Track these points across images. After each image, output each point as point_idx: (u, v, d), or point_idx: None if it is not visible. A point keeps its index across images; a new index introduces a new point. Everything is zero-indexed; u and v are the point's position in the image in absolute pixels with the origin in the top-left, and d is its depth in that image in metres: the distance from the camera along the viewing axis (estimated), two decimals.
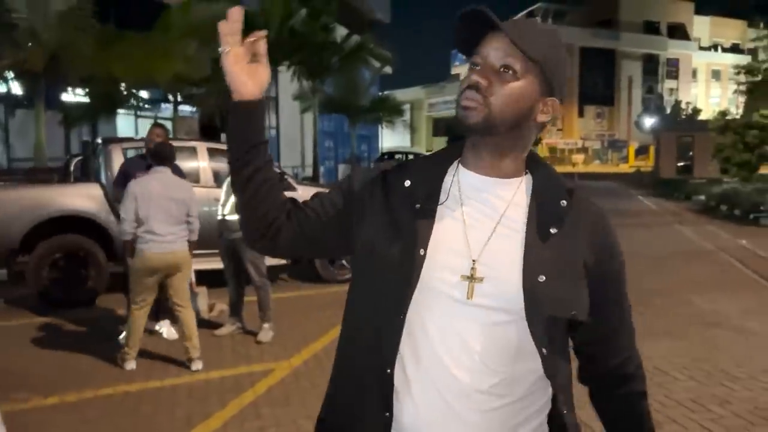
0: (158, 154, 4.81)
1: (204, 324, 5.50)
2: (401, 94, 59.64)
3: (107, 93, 12.01)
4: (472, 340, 1.12)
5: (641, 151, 57.59)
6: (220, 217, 5.53)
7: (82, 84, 10.85)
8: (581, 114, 65.38)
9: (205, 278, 6.25)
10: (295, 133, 28.74)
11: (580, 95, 64.22)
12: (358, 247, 1.22)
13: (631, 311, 1.27)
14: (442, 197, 1.19)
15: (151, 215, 4.56)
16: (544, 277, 1.11)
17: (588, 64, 63.47)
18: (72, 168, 8.01)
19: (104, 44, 9.41)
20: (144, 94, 15.61)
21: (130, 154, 6.90)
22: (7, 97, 14.32)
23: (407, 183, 1.21)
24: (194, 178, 6.91)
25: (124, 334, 4.93)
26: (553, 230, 1.15)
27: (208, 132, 18.93)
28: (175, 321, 5.08)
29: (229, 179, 5.32)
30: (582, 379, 1.32)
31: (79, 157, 8.00)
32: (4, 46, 7.77)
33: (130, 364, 4.67)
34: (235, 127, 1.22)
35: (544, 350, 1.13)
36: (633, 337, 1.28)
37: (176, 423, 3.81)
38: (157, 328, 5.48)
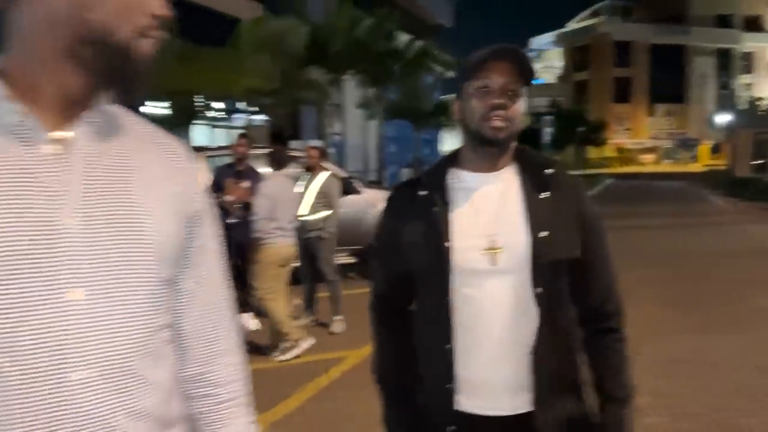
0: (276, 160, 5.47)
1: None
2: None
3: (186, 105, 12.89)
4: (508, 303, 1.38)
5: (716, 149, 55.50)
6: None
7: (165, 98, 11.71)
8: (650, 113, 63.59)
9: None
10: (359, 139, 29.44)
11: (650, 94, 62.48)
12: (404, 252, 1.48)
13: (611, 261, 1.50)
14: (450, 196, 1.45)
15: (280, 213, 5.16)
16: (545, 232, 1.38)
17: (657, 61, 61.71)
18: None
19: (185, 61, 10.19)
20: (218, 105, 16.48)
21: (212, 161, 7.54)
22: None
23: (422, 193, 1.47)
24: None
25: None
26: (543, 195, 1.42)
27: (277, 139, 19.83)
28: (258, 313, 5.63)
29: (305, 182, 5.84)
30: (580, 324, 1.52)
31: None
32: None
33: (307, 341, 5.22)
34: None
35: (539, 289, 1.38)
36: (613, 283, 1.50)
37: (259, 401, 4.28)
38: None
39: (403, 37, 21.86)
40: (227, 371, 1.10)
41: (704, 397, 4.13)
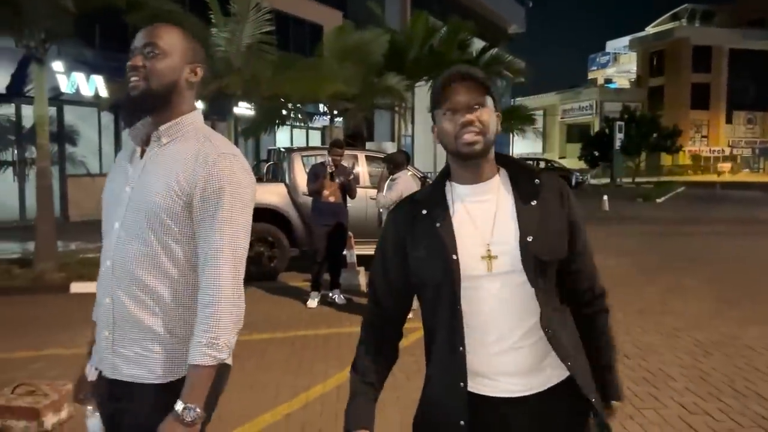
0: (394, 161, 6.65)
1: (362, 294, 7.02)
2: (534, 101, 59.31)
3: (276, 108, 14.13)
4: (502, 304, 1.49)
5: None
6: (380, 211, 7.04)
7: (260, 102, 12.95)
8: (729, 120, 61.48)
9: (362, 261, 7.79)
10: (428, 141, 30.23)
11: (728, 100, 60.45)
12: (412, 269, 1.56)
13: (592, 252, 1.64)
14: (452, 211, 1.55)
15: None
16: (531, 237, 1.48)
17: (738, 67, 59.64)
18: (265, 170, 9.97)
19: (279, 69, 11.35)
20: (300, 108, 17.69)
21: (307, 160, 8.65)
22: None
23: (424, 211, 1.56)
24: (357, 178, 8.48)
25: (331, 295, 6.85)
26: (533, 202, 1.52)
27: (354, 139, 20.97)
28: (343, 290, 6.67)
29: (389, 180, 6.83)
30: (568, 304, 1.63)
31: (270, 162, 9.92)
32: (206, 74, 9.79)
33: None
34: None
35: (539, 283, 1.49)
36: (595, 272, 1.64)
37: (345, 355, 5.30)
38: (330, 294, 7.10)
39: (478, 44, 22.51)
40: (205, 298, 1.56)
41: (738, 374, 4.83)
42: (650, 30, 69.29)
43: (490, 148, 1.52)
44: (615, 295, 7.83)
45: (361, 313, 6.48)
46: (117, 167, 1.73)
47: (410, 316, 1.70)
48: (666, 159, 54.12)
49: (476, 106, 1.48)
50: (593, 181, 38.91)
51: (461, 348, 1.48)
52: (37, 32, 7.93)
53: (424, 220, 1.55)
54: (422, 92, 24.05)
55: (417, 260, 1.54)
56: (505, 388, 1.50)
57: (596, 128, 51.34)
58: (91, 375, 1.74)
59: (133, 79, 1.59)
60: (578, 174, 34.00)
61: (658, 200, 25.53)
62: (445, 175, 1.61)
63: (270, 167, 9.82)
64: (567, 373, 1.51)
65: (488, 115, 1.50)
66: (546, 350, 1.51)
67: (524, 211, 1.50)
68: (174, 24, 1.72)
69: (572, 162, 47.66)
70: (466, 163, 1.52)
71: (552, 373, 1.52)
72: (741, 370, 4.83)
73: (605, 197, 20.58)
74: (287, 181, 8.60)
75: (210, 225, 1.56)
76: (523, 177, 1.56)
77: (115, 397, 1.64)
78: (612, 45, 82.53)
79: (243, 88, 10.74)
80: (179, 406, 1.51)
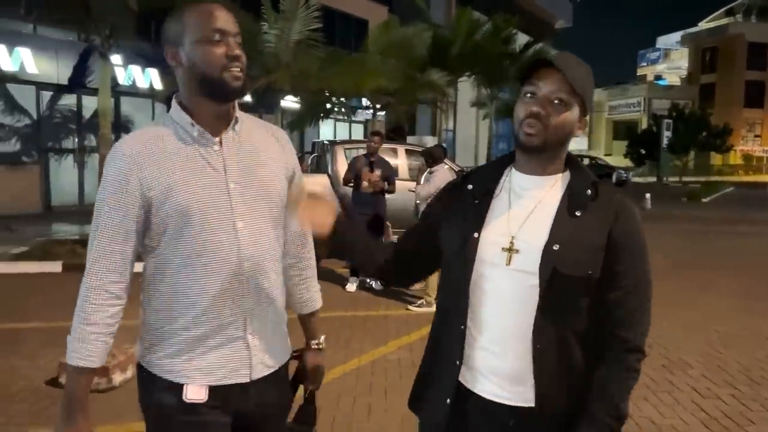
0: (432, 155, 6.99)
1: None
2: None
3: (321, 102, 14.60)
4: (511, 300, 1.42)
5: None
6: (417, 203, 7.38)
7: (306, 96, 13.45)
8: None
9: None
10: (470, 135, 30.40)
11: None
12: (442, 238, 1.56)
13: (643, 293, 1.42)
14: (496, 192, 1.51)
15: None
16: (558, 246, 1.38)
17: None
18: (309, 162, 10.44)
19: (326, 64, 11.78)
20: (344, 102, 18.13)
21: (349, 152, 9.05)
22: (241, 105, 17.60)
23: (470, 186, 1.54)
24: (395, 172, 8.85)
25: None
26: (578, 213, 1.41)
27: (395, 133, 21.34)
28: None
29: (426, 173, 7.15)
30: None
31: (315, 154, 10.38)
32: (256, 69, 10.36)
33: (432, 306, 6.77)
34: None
35: (550, 296, 1.38)
36: (640, 313, 1.41)
37: (388, 333, 5.68)
38: (368, 280, 7.49)
39: (522, 39, 22.53)
40: (307, 255, 1.81)
41: (755, 365, 5.02)
42: (703, 25, 67.43)
43: (553, 147, 1.44)
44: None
45: (396, 298, 6.87)
46: (176, 161, 1.52)
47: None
48: (716, 158, 52.77)
49: (558, 101, 1.40)
50: (638, 179, 38.29)
51: (462, 326, 1.47)
52: (103, 29, 8.52)
53: (466, 194, 1.53)
54: (464, 87, 24.28)
55: (444, 231, 1.54)
56: (494, 391, 1.45)
57: (644, 126, 50.43)
58: (199, 394, 1.57)
59: (237, 69, 1.51)
60: (622, 171, 33.59)
61: (704, 200, 25.11)
62: (509, 159, 1.56)
63: (314, 159, 10.27)
64: None
65: (566, 117, 1.41)
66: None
67: (563, 219, 1.42)
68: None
69: (618, 159, 46.91)
70: (523, 151, 1.47)
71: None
72: (759, 362, 5.02)
73: (648, 195, 20.41)
74: (329, 172, 9.02)
75: None
76: (579, 185, 1.46)
77: (253, 397, 1.63)
78: (663, 41, 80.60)
79: (291, 82, 11.21)
80: (316, 342, 1.90)
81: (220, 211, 1.53)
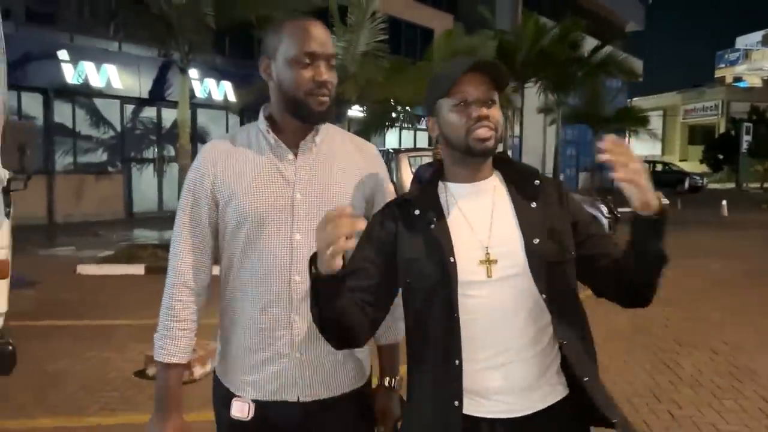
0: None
1: None
2: (653, 101, 56.73)
3: (386, 111, 14.86)
4: (503, 311, 1.37)
5: None
6: None
7: (371, 105, 13.74)
8: None
9: None
10: (537, 142, 30.01)
11: None
12: (402, 273, 1.42)
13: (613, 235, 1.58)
14: (446, 212, 1.44)
15: None
16: (538, 240, 1.38)
17: None
18: None
19: (391, 74, 12.05)
20: (409, 111, 18.36)
21: (413, 160, 9.26)
22: None
23: (417, 212, 1.44)
24: None
25: None
26: (533, 204, 1.43)
27: None
28: None
29: None
30: (601, 292, 1.49)
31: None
32: None
33: None
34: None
35: (544, 295, 1.36)
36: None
37: None
38: None
39: (590, 44, 22.14)
40: None
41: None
42: None
43: (497, 146, 1.45)
44: (713, 295, 7.92)
45: None
46: (247, 167, 1.54)
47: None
48: None
49: (490, 102, 1.41)
50: (716, 185, 36.83)
51: (457, 361, 1.35)
52: (183, 45, 9.07)
53: (416, 221, 1.43)
54: (531, 93, 24.02)
55: (410, 263, 1.41)
56: (499, 408, 1.38)
57: (721, 129, 48.43)
58: (242, 412, 1.56)
59: (323, 95, 1.50)
60: (697, 177, 32.39)
61: None
62: (437, 175, 1.51)
63: None
64: (565, 392, 1.42)
65: (500, 114, 1.43)
66: (546, 364, 1.40)
67: (525, 213, 1.42)
68: None
69: (693, 165, 45.23)
70: (471, 160, 1.43)
71: (550, 390, 1.41)
72: None
73: (724, 202, 19.66)
74: (394, 180, 9.24)
75: None
76: (522, 177, 1.48)
77: (306, 419, 1.56)
78: (743, 41, 77.04)
79: (357, 93, 11.54)
80: (389, 379, 1.69)
81: (279, 220, 1.51)
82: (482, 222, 1.42)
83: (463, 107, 1.40)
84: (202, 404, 3.98)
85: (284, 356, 1.53)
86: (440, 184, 1.49)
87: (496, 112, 1.41)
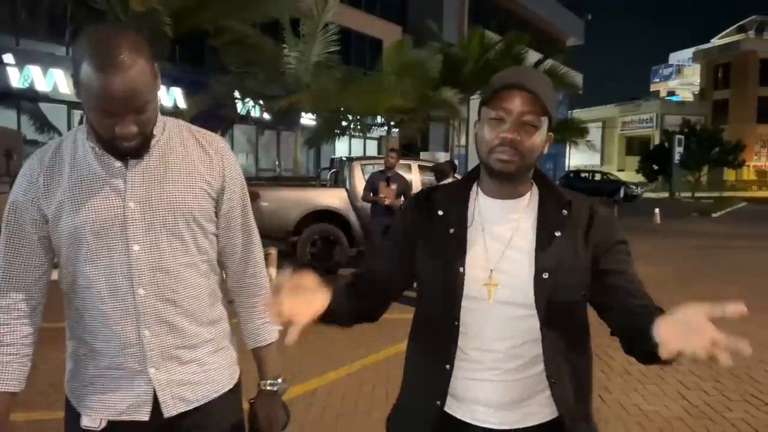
0: (441, 170, 7.57)
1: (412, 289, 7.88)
2: (592, 113, 58.89)
3: (337, 120, 15.21)
4: (499, 332, 1.36)
5: None
6: None
7: (324, 114, 14.06)
8: None
9: None
10: None
11: None
12: (416, 270, 1.45)
13: (639, 280, 1.39)
14: (469, 221, 1.41)
15: None
16: (548, 274, 1.32)
17: None
18: (329, 176, 11.01)
19: (344, 84, 12.40)
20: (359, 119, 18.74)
21: (365, 168, 9.60)
22: (258, 122, 18.34)
23: (440, 212, 1.42)
24: (410, 186, 9.35)
25: None
26: (557, 233, 1.36)
27: (409, 149, 21.90)
28: None
29: None
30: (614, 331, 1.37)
31: (334, 170, 10.96)
32: (278, 89, 11.00)
33: None
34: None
35: (552, 323, 1.33)
36: (647, 295, 1.35)
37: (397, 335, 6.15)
38: None
39: (533, 57, 23.04)
40: (250, 281, 1.61)
41: (741, 363, 5.43)
42: (716, 42, 67.72)
43: (525, 172, 1.39)
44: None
45: (410, 303, 7.26)
46: (73, 178, 1.42)
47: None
48: (729, 174, 52.86)
49: (528, 125, 1.32)
50: (651, 195, 38.55)
51: (448, 366, 1.39)
52: None
53: (439, 221, 1.43)
54: (476, 105, 24.78)
55: (424, 262, 1.44)
56: (480, 417, 1.40)
57: (656, 141, 50.73)
58: (94, 422, 1.48)
59: (130, 143, 1.37)
60: (633, 186, 33.88)
61: (714, 215, 25.37)
62: (474, 178, 1.47)
63: (332, 174, 10.84)
64: (551, 416, 1.40)
65: (537, 138, 1.34)
66: (538, 389, 1.39)
67: (544, 244, 1.36)
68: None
69: (630, 175, 47.20)
70: (495, 178, 1.39)
71: (537, 410, 1.40)
72: (745, 361, 5.45)
73: (657, 210, 20.76)
74: (347, 186, 9.56)
75: (243, 215, 1.58)
76: (552, 203, 1.41)
77: (169, 428, 1.50)
78: (675, 57, 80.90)
79: (312, 102, 11.83)
80: (270, 383, 1.62)
81: (112, 233, 1.41)
82: (498, 245, 1.39)
83: (497, 123, 1.34)
84: None
85: (137, 373, 1.45)
86: (474, 189, 1.46)
87: (531, 137, 1.33)
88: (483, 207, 1.43)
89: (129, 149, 1.37)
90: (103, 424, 1.46)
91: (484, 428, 1.40)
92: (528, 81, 1.30)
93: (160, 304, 1.44)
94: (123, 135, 1.33)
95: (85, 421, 1.46)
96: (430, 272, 1.42)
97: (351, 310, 1.45)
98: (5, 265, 1.44)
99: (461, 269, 1.37)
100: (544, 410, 1.40)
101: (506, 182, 1.39)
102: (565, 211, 1.40)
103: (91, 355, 1.47)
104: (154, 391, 1.46)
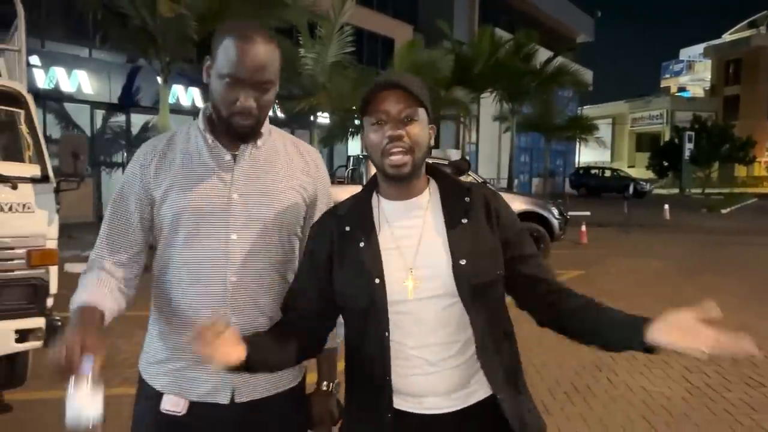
0: (458, 167, 8.08)
1: None
2: (602, 109, 58.80)
3: (350, 119, 15.54)
4: (432, 325, 1.41)
5: None
6: None
7: (338, 113, 14.39)
8: None
9: None
10: (492, 149, 31.12)
11: None
12: (337, 294, 1.46)
13: (547, 263, 1.53)
14: (377, 229, 1.44)
15: None
16: (465, 260, 1.39)
17: None
18: (345, 174, 11.38)
19: (357, 83, 12.72)
20: None
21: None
22: (272, 121, 18.58)
23: (348, 228, 1.45)
24: None
25: None
26: (464, 221, 1.43)
27: None
28: None
29: None
30: (540, 322, 1.50)
31: (351, 167, 11.34)
32: (296, 90, 11.32)
33: None
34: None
35: (469, 313, 1.40)
36: (556, 279, 1.49)
37: None
38: None
39: (543, 55, 23.24)
40: None
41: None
42: (727, 37, 67.45)
43: (420, 167, 1.43)
44: (651, 289, 8.99)
45: None
46: (184, 166, 1.54)
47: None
48: (740, 170, 52.74)
49: (406, 118, 1.38)
50: (661, 191, 38.64)
51: (387, 378, 1.42)
52: (164, 56, 9.53)
53: (347, 237, 1.44)
54: (487, 103, 25.07)
55: (342, 286, 1.44)
56: (429, 405, 1.44)
57: (666, 138, 50.71)
58: (177, 406, 1.54)
59: (247, 121, 1.49)
60: (643, 183, 34.03)
61: (723, 211, 25.51)
62: (372, 187, 1.50)
63: (350, 171, 11.22)
64: (490, 392, 1.45)
65: (419, 130, 1.39)
66: (474, 368, 1.44)
67: (454, 232, 1.42)
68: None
69: (640, 171, 47.26)
70: (394, 181, 1.43)
71: (476, 389, 1.46)
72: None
73: (666, 206, 20.96)
74: (364, 183, 9.90)
75: None
76: (453, 194, 1.48)
77: (239, 420, 1.56)
78: (686, 52, 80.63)
79: (329, 103, 12.16)
80: (325, 384, 1.71)
81: (215, 219, 1.50)
82: (410, 242, 1.43)
83: (379, 127, 1.39)
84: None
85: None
86: (374, 197, 1.49)
87: (414, 129, 1.39)
88: (387, 212, 1.46)
89: (244, 128, 1.48)
90: (185, 409, 1.52)
91: (433, 415, 1.44)
92: (395, 78, 1.39)
93: (246, 294, 1.52)
94: (243, 109, 1.45)
95: (168, 405, 1.53)
96: (350, 289, 1.43)
97: (282, 359, 1.48)
98: (108, 231, 1.57)
99: (377, 281, 1.39)
100: (485, 387, 1.45)
101: (404, 183, 1.44)
102: (467, 198, 1.46)
103: (177, 339, 1.53)
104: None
